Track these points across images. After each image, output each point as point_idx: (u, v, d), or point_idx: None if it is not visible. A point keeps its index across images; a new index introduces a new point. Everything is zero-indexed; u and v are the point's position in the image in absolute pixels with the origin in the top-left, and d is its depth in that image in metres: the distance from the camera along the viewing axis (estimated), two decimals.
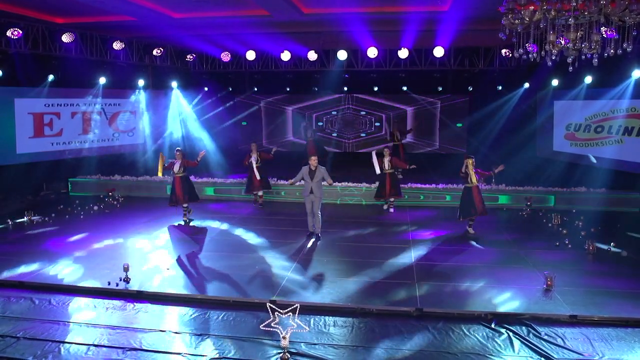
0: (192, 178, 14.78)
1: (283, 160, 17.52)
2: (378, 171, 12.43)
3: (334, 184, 13.00)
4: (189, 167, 11.77)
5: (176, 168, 11.52)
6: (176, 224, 11.51)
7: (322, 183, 10.46)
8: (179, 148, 12.33)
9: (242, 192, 13.90)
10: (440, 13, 11.94)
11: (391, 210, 12.95)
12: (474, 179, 10.44)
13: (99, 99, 15.50)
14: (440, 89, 18.36)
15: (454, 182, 13.34)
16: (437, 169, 15.73)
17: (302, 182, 10.45)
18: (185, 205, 11.63)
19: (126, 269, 7.93)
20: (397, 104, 19.39)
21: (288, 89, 18.78)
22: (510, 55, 14.75)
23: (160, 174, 11.94)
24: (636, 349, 5.98)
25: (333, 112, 20.02)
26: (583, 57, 6.53)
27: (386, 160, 12.55)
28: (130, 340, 6.14)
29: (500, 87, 17.14)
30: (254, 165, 13.00)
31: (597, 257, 9.21)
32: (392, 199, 12.95)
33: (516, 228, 11.35)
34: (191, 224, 11.55)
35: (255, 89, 18.69)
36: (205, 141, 18.11)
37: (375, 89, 18.40)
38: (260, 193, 13.45)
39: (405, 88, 18.10)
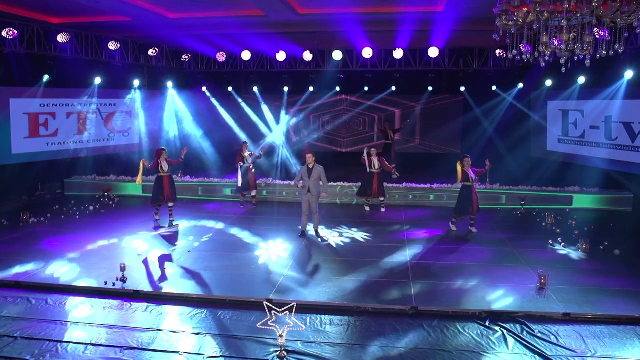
0: (187, 178, 14.96)
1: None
2: (369, 169, 12.58)
3: (330, 183, 13.10)
4: (173, 166, 11.77)
5: (165, 167, 11.42)
6: (163, 228, 11.30)
7: (320, 182, 10.52)
8: (164, 147, 12.30)
9: (233, 191, 13.86)
10: (435, 14, 12.03)
11: (382, 210, 12.98)
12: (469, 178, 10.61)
13: (94, 99, 15.47)
14: (432, 89, 18.41)
15: (448, 181, 13.45)
16: (432, 168, 15.82)
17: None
18: (171, 204, 11.62)
19: (123, 269, 7.96)
20: (391, 104, 19.46)
21: (284, 89, 18.81)
22: (505, 55, 14.86)
23: (139, 182, 11.37)
24: (628, 346, 6.07)
25: (328, 112, 20.06)
26: (576, 58, 6.61)
27: (375, 159, 12.64)
28: (127, 339, 6.17)
29: (494, 88, 17.24)
30: (250, 166, 13.07)
31: (590, 255, 9.31)
32: (381, 199, 13.02)
33: (510, 227, 11.45)
34: (174, 223, 11.54)
35: (255, 89, 18.70)
36: (200, 141, 18.11)
37: (366, 89, 18.47)
38: (253, 193, 13.53)
39: (394, 88, 18.17)
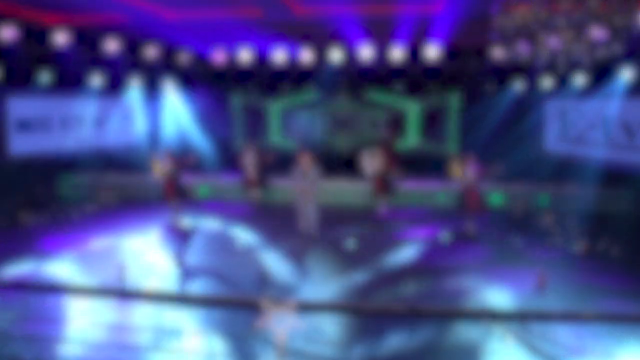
0: (186, 178, 14.92)
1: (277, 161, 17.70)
2: (369, 174, 12.41)
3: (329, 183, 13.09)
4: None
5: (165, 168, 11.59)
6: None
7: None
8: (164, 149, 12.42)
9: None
10: (433, 13, 12.05)
11: (382, 209, 12.93)
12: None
13: (92, 98, 15.46)
14: (430, 87, 18.41)
15: (446, 181, 13.46)
16: (429, 167, 15.81)
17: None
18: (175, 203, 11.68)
19: (121, 269, 7.96)
20: (389, 104, 19.44)
21: (281, 89, 18.80)
22: (503, 55, 14.86)
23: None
24: (625, 344, 6.09)
25: (325, 112, 20.03)
26: (574, 57, 6.63)
27: (377, 160, 12.55)
28: (127, 339, 6.18)
29: (492, 87, 17.25)
30: (251, 165, 13.23)
31: (589, 254, 9.33)
32: (385, 199, 12.99)
33: (508, 226, 11.47)
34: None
35: (251, 89, 18.71)
36: (199, 140, 18.12)
37: (365, 88, 18.48)
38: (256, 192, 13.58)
39: (392, 87, 18.18)
